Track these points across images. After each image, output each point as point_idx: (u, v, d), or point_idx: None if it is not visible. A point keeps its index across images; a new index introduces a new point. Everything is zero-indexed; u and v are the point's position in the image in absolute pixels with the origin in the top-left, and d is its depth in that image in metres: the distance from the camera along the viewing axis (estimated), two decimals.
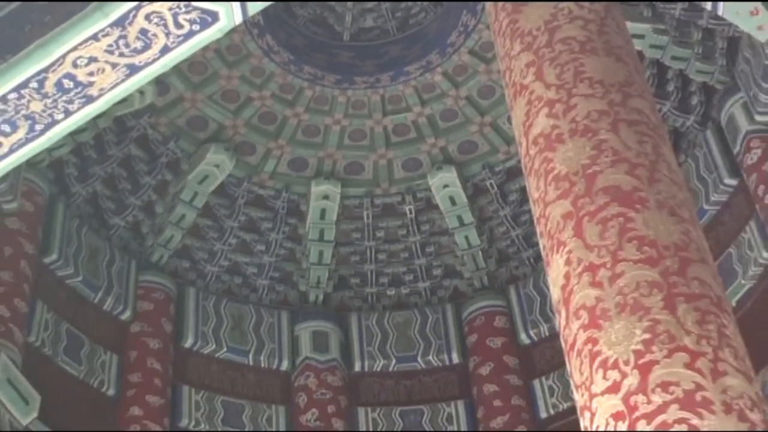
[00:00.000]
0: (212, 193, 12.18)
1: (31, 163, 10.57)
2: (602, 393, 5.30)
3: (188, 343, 11.74)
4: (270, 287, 12.52)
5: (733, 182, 10.77)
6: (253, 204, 12.46)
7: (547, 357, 11.68)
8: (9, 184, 10.48)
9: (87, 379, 10.77)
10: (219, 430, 11.32)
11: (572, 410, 6.45)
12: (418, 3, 12.56)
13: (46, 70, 7.29)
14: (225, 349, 11.87)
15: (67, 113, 7.52)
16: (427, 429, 11.74)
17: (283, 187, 12.51)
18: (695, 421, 4.99)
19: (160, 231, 12.04)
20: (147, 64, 7.48)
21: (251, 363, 11.94)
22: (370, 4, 12.60)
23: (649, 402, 5.12)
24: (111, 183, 11.84)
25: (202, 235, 12.31)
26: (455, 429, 11.70)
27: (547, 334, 11.82)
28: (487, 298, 12.39)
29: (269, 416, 11.66)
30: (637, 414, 5.11)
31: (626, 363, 5.29)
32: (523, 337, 12.09)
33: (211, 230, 12.33)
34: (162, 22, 7.31)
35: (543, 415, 11.54)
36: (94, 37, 7.25)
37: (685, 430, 4.96)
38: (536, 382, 11.73)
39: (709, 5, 7.99)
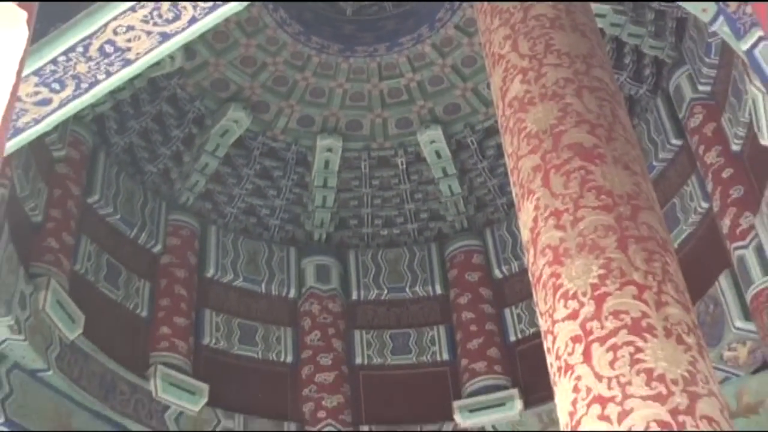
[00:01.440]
0: (232, 145, 12.15)
1: (77, 117, 10.54)
2: (563, 320, 5.35)
3: (210, 273, 11.77)
4: (280, 227, 12.53)
5: (678, 143, 10.77)
6: (266, 155, 12.44)
7: (516, 289, 11.72)
8: (58, 135, 10.48)
9: (124, 303, 10.82)
10: (235, 347, 11.42)
11: (537, 334, 6.50)
12: None
13: (90, 36, 7.24)
14: (241, 279, 11.91)
15: (108, 74, 7.47)
16: (413, 349, 11.83)
17: (293, 140, 12.48)
18: (640, 344, 5.03)
19: (186, 177, 12.03)
20: (177, 33, 7.41)
21: (263, 291, 11.99)
22: None
23: (602, 327, 5.16)
24: (145, 135, 11.81)
25: (222, 180, 12.30)
26: (437, 349, 11.79)
27: (517, 269, 11.86)
28: (466, 239, 12.41)
29: (278, 336, 11.72)
30: (592, 337, 5.16)
31: (584, 294, 5.33)
32: (497, 272, 12.14)
33: (230, 177, 12.32)
34: None
35: (512, 338, 11.61)
36: (132, 9, 7.18)
37: (632, 351, 5.02)
38: (507, 311, 11.78)
39: None
